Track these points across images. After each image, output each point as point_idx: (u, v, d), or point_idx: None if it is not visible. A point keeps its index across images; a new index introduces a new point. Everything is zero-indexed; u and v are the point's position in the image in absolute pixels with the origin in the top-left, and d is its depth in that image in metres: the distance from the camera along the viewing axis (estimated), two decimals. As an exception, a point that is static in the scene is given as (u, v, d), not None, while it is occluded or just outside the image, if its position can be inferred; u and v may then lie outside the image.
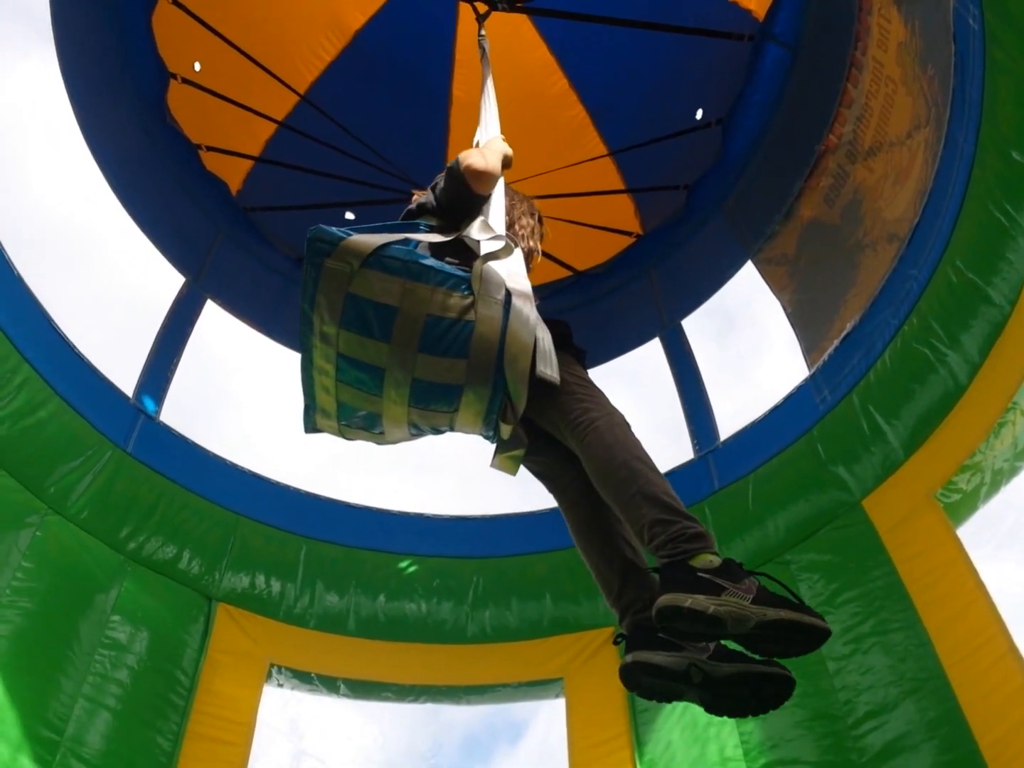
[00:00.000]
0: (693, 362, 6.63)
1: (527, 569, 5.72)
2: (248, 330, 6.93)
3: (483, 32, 5.01)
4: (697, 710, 4.71)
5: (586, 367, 2.58)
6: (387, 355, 2.13)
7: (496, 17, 5.56)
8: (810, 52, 6.08)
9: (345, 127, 6.61)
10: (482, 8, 5.48)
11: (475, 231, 2.44)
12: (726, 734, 4.60)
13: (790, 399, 5.67)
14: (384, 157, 6.70)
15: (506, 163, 2.87)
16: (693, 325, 6.95)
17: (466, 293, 2.16)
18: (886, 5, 5.39)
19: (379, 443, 2.44)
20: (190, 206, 6.69)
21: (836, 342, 5.46)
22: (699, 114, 6.60)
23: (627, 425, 2.30)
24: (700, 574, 1.93)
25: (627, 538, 2.42)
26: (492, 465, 2.42)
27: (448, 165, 2.69)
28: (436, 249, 2.34)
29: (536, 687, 5.54)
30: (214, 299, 6.57)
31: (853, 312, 5.45)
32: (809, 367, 5.80)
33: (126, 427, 5.31)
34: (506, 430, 2.24)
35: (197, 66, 6.30)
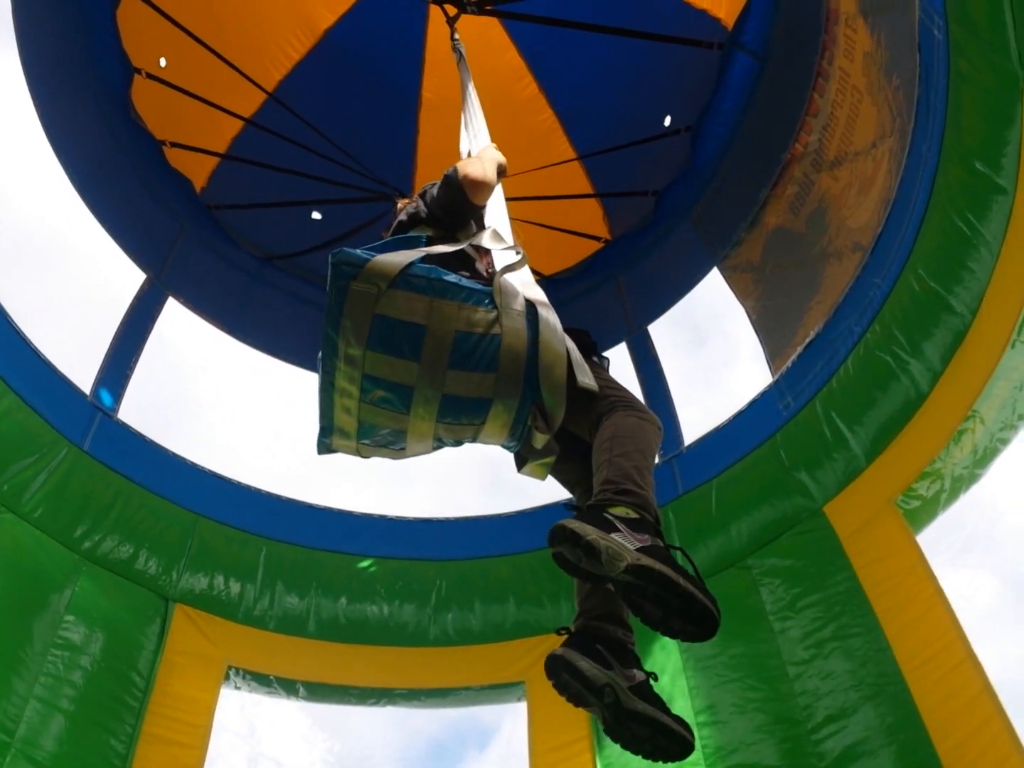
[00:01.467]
0: (659, 367, 6.66)
1: (491, 572, 5.70)
2: (212, 330, 6.84)
3: (456, 36, 4.99)
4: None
5: (609, 372, 2.61)
6: (416, 373, 2.13)
7: (466, 20, 5.55)
8: (777, 61, 6.14)
9: (313, 125, 6.56)
10: (452, 11, 5.46)
11: (486, 241, 2.49)
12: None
13: (753, 405, 5.70)
14: (352, 156, 6.66)
15: (501, 171, 2.87)
16: (662, 336, 6.99)
17: (489, 307, 2.18)
18: (852, 16, 5.45)
19: (396, 458, 2.44)
20: (153, 203, 6.60)
21: (799, 349, 5.51)
22: (667, 121, 6.64)
23: (654, 423, 2.34)
24: (605, 514, 1.98)
25: None
26: (521, 472, 2.44)
27: (445, 174, 2.69)
28: (442, 260, 2.34)
29: (498, 691, 5.51)
30: (176, 296, 6.48)
31: (817, 319, 5.50)
32: (773, 373, 5.84)
33: (83, 425, 5.20)
34: (541, 440, 2.24)
35: (163, 62, 6.22)
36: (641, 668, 2.24)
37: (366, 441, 2.32)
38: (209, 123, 6.55)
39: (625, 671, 2.17)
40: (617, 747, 4.64)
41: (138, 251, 6.36)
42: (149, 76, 6.18)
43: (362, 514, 6.07)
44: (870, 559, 4.51)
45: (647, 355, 6.79)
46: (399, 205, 3.00)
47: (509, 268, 2.32)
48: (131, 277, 6.30)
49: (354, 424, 2.27)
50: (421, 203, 2.73)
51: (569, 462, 2.53)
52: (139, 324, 6.11)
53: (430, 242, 2.46)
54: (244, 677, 5.21)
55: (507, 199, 7.09)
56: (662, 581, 1.87)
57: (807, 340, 5.45)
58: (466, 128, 4.04)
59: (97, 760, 4.32)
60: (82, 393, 5.38)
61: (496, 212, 2.68)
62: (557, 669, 2.20)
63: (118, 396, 5.63)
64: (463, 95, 4.22)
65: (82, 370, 5.50)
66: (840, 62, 5.72)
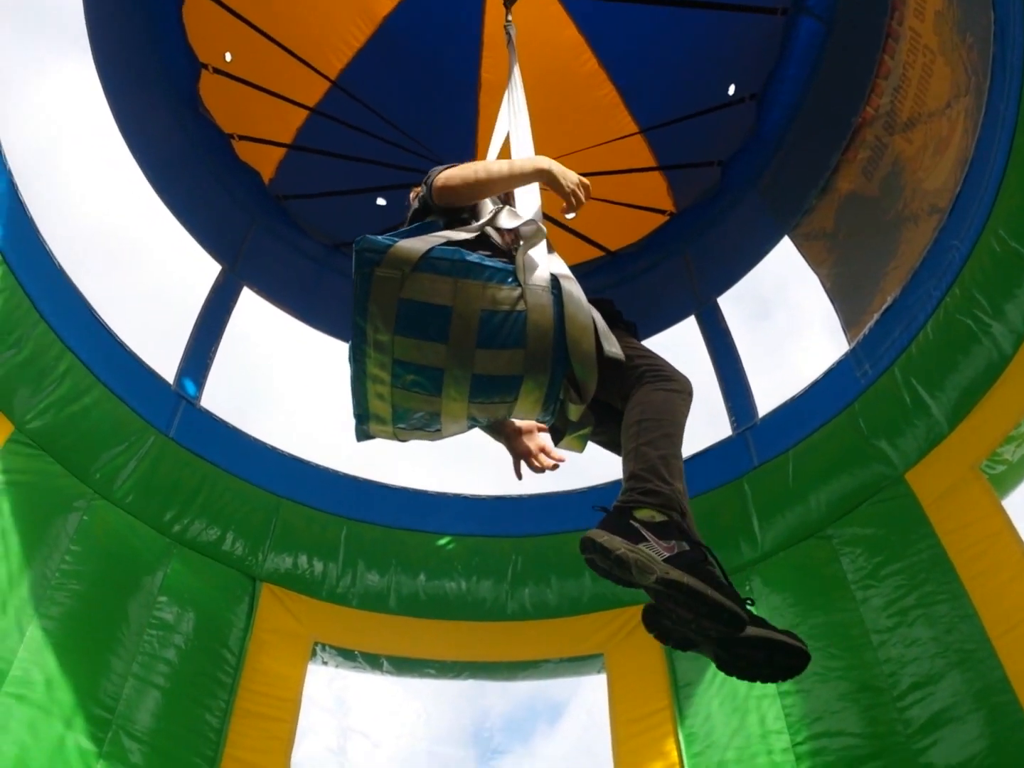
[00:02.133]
0: (730, 339, 6.57)
1: (565, 547, 5.71)
2: (286, 318, 7.00)
3: (510, 18, 4.96)
4: (738, 683, 4.70)
5: (639, 339, 2.60)
6: (445, 355, 2.13)
7: (523, -1, 5.53)
8: (845, 24, 5.97)
9: (376, 111, 6.62)
10: (508, -10, 5.44)
11: (504, 220, 2.46)
12: (767, 706, 4.59)
13: (830, 374, 5.61)
14: (415, 140, 6.71)
15: (486, 178, 2.58)
16: (727, 310, 6.90)
17: (513, 284, 2.18)
18: (922, -27, 5.30)
19: (433, 440, 2.46)
20: (224, 196, 6.75)
21: (876, 316, 5.39)
22: (731, 90, 6.52)
23: (683, 392, 2.32)
24: (632, 522, 2.00)
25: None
26: (559, 446, 2.47)
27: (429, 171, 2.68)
28: (463, 243, 2.34)
29: (576, 663, 5.56)
30: (250, 286, 6.64)
31: (894, 285, 5.38)
32: (849, 341, 5.74)
33: (168, 413, 5.39)
34: (576, 412, 2.26)
35: (228, 56, 6.35)
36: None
37: (402, 425, 2.34)
38: (274, 114, 6.67)
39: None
40: (701, 715, 4.75)
41: (212, 243, 6.54)
42: (216, 71, 6.31)
43: (438, 493, 6.17)
44: (954, 525, 4.41)
45: (717, 328, 6.71)
46: (411, 194, 3.00)
47: (530, 244, 2.31)
48: (207, 269, 6.49)
49: (388, 409, 2.28)
50: (425, 190, 2.69)
51: (605, 426, 2.52)
52: (216, 314, 6.29)
53: (446, 227, 2.46)
54: (330, 653, 5.37)
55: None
56: (691, 593, 1.89)
57: (884, 306, 5.33)
58: (507, 109, 4.01)
59: (193, 735, 4.49)
60: (166, 383, 5.57)
61: (523, 190, 2.64)
62: (657, 619, 2.14)
63: (200, 385, 5.82)
64: (508, 80, 4.21)
65: (165, 361, 5.70)
66: (910, 22, 5.56)
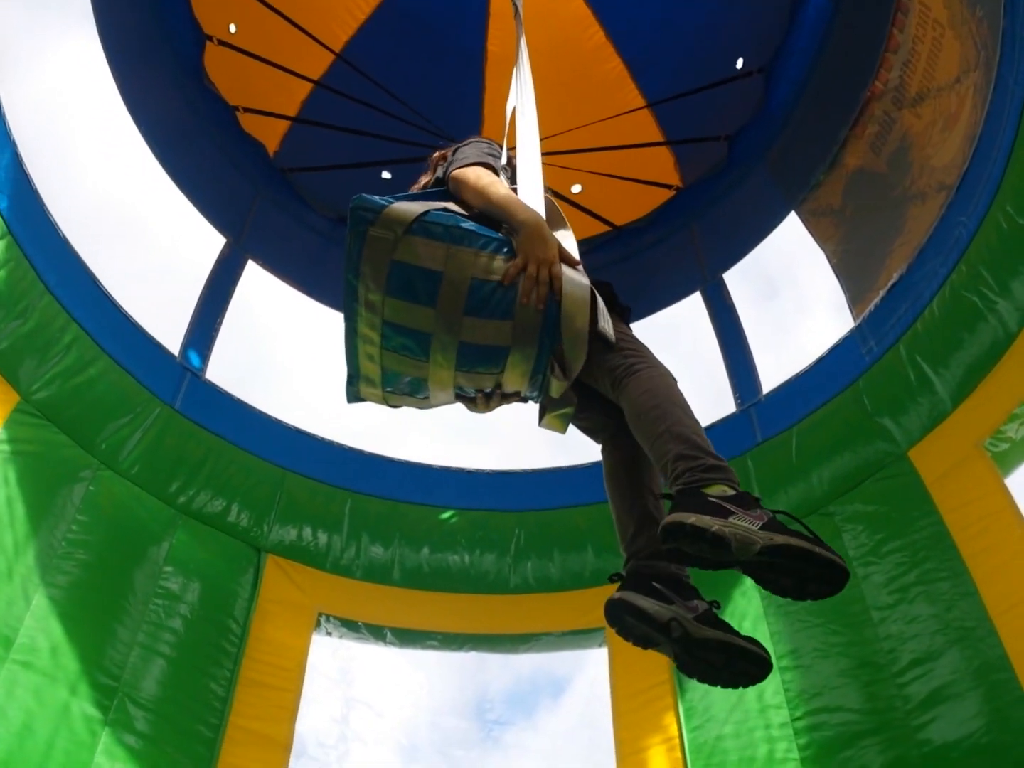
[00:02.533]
0: (735, 315, 6.55)
1: (568, 522, 5.77)
2: (291, 291, 7.00)
3: None
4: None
5: (630, 324, 2.58)
6: (433, 320, 2.12)
7: (531, -32, 5.47)
8: (853, -3, 5.92)
9: (381, 84, 6.58)
10: (515, -41, 5.38)
11: None
12: (766, 681, 4.61)
13: (835, 351, 5.59)
14: (420, 114, 6.67)
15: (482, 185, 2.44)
16: (733, 289, 6.86)
17: (508, 255, 2.16)
18: (933, -55, 5.23)
19: (422, 408, 2.45)
20: (230, 168, 6.74)
21: (882, 292, 5.36)
22: (739, 63, 6.47)
23: (670, 376, 2.30)
24: (710, 499, 1.94)
25: (654, 492, 2.46)
26: (541, 425, 2.42)
27: (449, 164, 2.61)
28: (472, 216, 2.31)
29: (578, 636, 5.60)
30: (255, 259, 6.64)
31: (900, 261, 5.35)
32: (855, 318, 5.71)
33: (173, 385, 5.41)
34: (558, 388, 2.23)
35: (232, 28, 6.31)
36: (701, 598, 2.23)
37: (390, 389, 2.33)
38: (279, 87, 6.64)
39: (687, 603, 2.16)
40: (699, 690, 4.76)
41: (217, 216, 6.53)
42: (221, 43, 6.28)
43: (442, 467, 6.20)
44: (957, 503, 4.41)
45: (723, 304, 6.69)
46: (435, 156, 2.97)
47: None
48: (212, 242, 6.48)
49: (378, 371, 2.28)
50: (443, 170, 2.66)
51: (588, 411, 2.52)
52: (221, 287, 6.29)
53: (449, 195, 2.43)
54: (334, 624, 5.42)
55: (575, 151, 7.01)
56: (801, 555, 1.84)
57: (890, 283, 5.31)
58: (515, 85, 3.95)
59: (198, 703, 4.54)
60: (171, 355, 5.58)
61: (530, 182, 2.61)
62: (619, 613, 2.21)
63: (205, 357, 5.83)
64: (516, 52, 4.15)
65: (170, 333, 5.71)
66: (920, -5, 5.50)
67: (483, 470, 6.24)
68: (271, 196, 6.96)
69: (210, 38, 6.26)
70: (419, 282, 2.11)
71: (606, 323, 2.25)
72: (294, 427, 5.97)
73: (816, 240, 6.36)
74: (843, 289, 6.08)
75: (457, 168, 2.46)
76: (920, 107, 5.60)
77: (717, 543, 1.85)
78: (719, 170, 6.94)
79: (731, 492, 1.96)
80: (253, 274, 6.69)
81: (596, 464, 6.09)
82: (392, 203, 2.15)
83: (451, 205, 2.31)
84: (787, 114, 6.54)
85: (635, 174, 7.05)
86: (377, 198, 2.15)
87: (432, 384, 2.27)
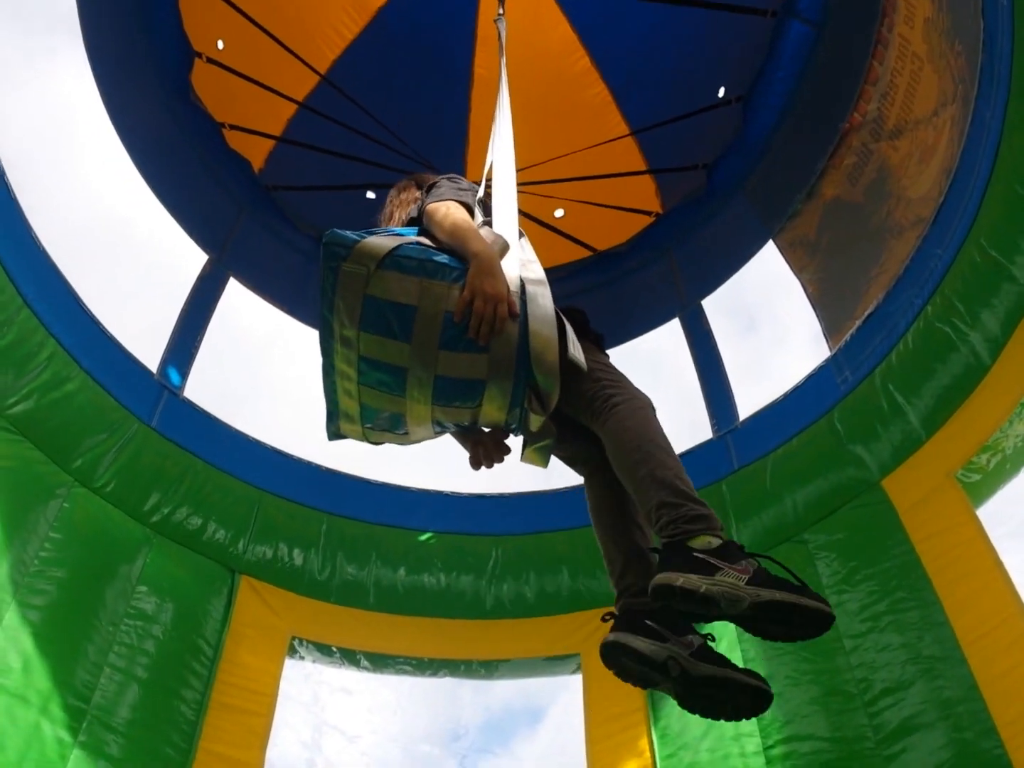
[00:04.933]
0: (712, 342, 6.59)
1: (546, 546, 5.78)
2: (275, 311, 6.98)
3: (501, 11, 4.89)
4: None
5: (605, 351, 2.58)
6: (408, 355, 2.11)
7: (517, -7, 5.52)
8: (834, 28, 6.00)
9: (365, 108, 6.61)
10: (503, -18, 5.42)
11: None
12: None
13: (810, 380, 5.65)
14: (403, 140, 6.69)
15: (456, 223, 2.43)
16: (711, 322, 6.89)
17: None
18: (912, -20, 5.32)
19: (403, 443, 2.42)
20: (213, 185, 6.73)
21: (858, 322, 5.42)
22: (721, 92, 6.55)
23: (649, 408, 2.30)
24: (696, 554, 1.96)
25: (640, 524, 2.44)
26: (522, 460, 2.41)
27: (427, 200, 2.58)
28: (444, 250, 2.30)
29: (553, 662, 5.59)
30: (237, 277, 6.62)
31: (876, 292, 5.42)
32: (830, 348, 5.77)
33: (150, 403, 5.38)
34: (536, 421, 2.21)
35: (220, 44, 6.32)
36: (696, 632, 2.23)
37: (370, 425, 2.31)
38: (265, 105, 6.65)
39: (681, 639, 2.15)
40: (673, 716, 4.76)
41: (200, 233, 6.50)
42: (210, 60, 6.28)
43: (419, 490, 6.18)
44: (928, 533, 4.46)
45: (701, 330, 6.73)
46: (402, 195, 2.96)
47: (504, 251, 2.28)
48: (194, 259, 6.46)
49: (357, 407, 2.26)
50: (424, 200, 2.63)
51: (569, 441, 2.50)
52: (202, 304, 6.26)
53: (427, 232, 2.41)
54: (307, 647, 5.38)
55: (557, 180, 6.99)
56: (787, 608, 1.88)
57: (866, 313, 5.37)
58: (497, 112, 3.95)
59: (169, 726, 4.48)
60: (149, 372, 5.55)
61: (503, 204, 2.59)
62: (614, 655, 2.20)
63: (184, 375, 5.80)
64: (499, 75, 4.16)
65: (148, 350, 5.68)
66: (900, 28, 5.59)
67: (461, 493, 6.23)
68: (254, 214, 6.95)
69: (199, 55, 6.26)
70: (393, 317, 2.10)
71: (576, 351, 2.24)
72: (272, 447, 5.94)
73: (792, 269, 6.42)
74: (819, 319, 6.14)
75: (431, 202, 2.47)
76: (898, 139, 5.68)
77: (706, 602, 1.89)
78: (699, 196, 7.01)
79: (716, 543, 1.98)
80: (238, 293, 6.68)
81: (574, 488, 6.15)
82: (365, 238, 2.14)
83: (424, 239, 2.30)
84: (766, 143, 6.62)
85: (617, 200, 7.10)
86: (349, 233, 2.15)
87: (410, 419, 2.25)
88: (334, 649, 5.45)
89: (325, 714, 5.56)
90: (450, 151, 7.00)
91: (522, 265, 2.31)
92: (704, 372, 6.48)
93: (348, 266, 2.09)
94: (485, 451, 2.51)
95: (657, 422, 2.28)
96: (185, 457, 5.30)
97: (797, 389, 5.71)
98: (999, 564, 4.14)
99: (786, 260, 6.48)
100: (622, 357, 6.97)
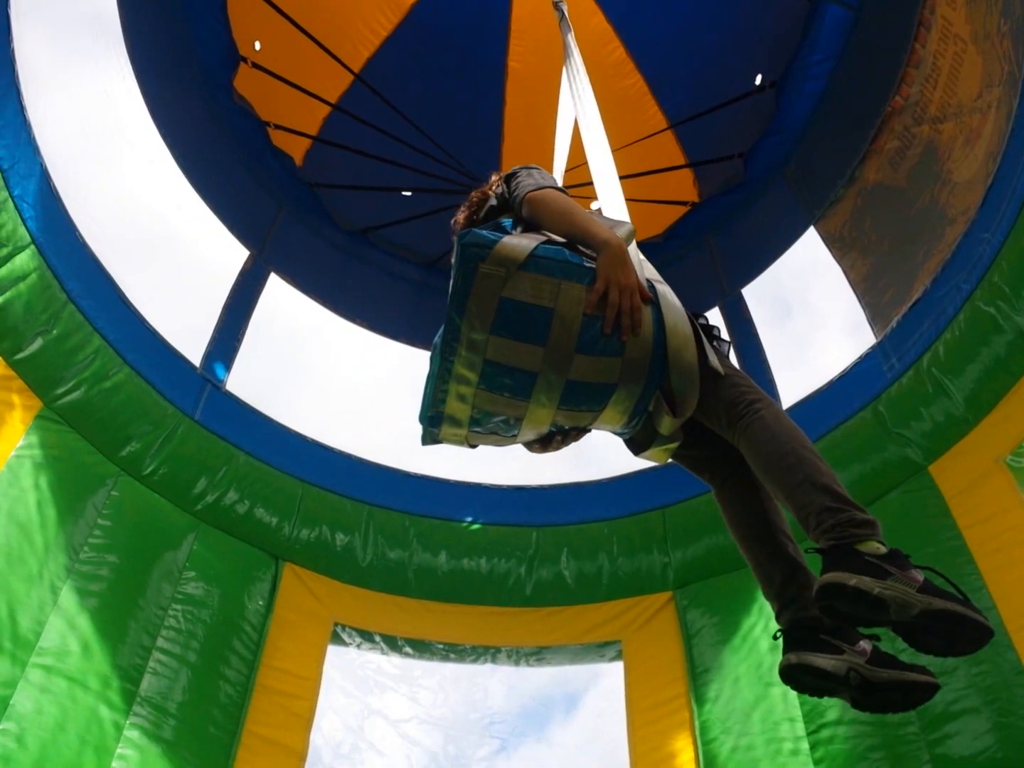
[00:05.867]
0: (753, 330, 6.54)
1: (586, 536, 5.78)
2: (314, 306, 7.05)
3: None
4: (754, 669, 4.68)
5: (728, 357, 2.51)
6: (541, 358, 2.05)
7: (550, -14, 5.52)
8: (874, 11, 5.93)
9: (398, 108, 6.64)
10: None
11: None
12: (783, 695, 4.56)
13: (856, 366, 5.57)
14: (433, 140, 6.71)
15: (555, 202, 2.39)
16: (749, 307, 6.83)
17: None
18: (954, -40, 5.23)
19: (502, 445, 2.37)
20: (252, 182, 6.84)
21: (905, 309, 5.33)
22: (758, 79, 6.48)
23: (785, 413, 2.23)
24: (867, 558, 1.90)
25: (788, 533, 2.38)
26: (642, 456, 2.36)
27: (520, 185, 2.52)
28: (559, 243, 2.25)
29: (594, 650, 5.59)
30: (277, 272, 6.70)
31: (922, 278, 5.32)
32: (875, 335, 5.67)
33: (194, 396, 5.47)
34: (669, 425, 2.15)
35: (257, 45, 6.41)
36: (863, 635, 2.17)
37: (478, 429, 2.25)
38: (302, 104, 6.73)
39: (855, 648, 2.10)
40: (717, 703, 4.72)
41: (241, 229, 6.60)
42: (255, 66, 6.37)
43: (460, 482, 6.21)
44: (976, 519, 4.38)
45: (741, 319, 6.67)
46: (473, 197, 2.94)
47: (630, 237, 2.23)
48: (235, 256, 6.55)
49: (468, 412, 2.19)
50: (506, 189, 2.58)
51: (694, 447, 2.42)
52: (244, 299, 6.36)
53: (527, 229, 2.34)
54: (350, 633, 5.44)
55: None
56: (955, 619, 1.83)
57: (913, 299, 5.28)
58: (571, 93, 3.89)
59: (216, 708, 4.57)
60: (192, 366, 5.65)
61: (608, 188, 2.53)
62: (798, 676, 2.16)
63: (227, 368, 5.89)
64: (565, 59, 4.10)
65: (192, 345, 5.77)
66: (942, 10, 5.50)
67: (500, 485, 6.24)
68: (293, 211, 7.05)
69: (244, 59, 6.35)
70: (529, 319, 2.04)
71: (712, 356, 2.18)
72: (313, 440, 6.03)
73: (834, 256, 6.33)
74: (862, 306, 6.04)
75: (531, 192, 2.39)
76: (942, 122, 5.58)
77: (877, 605, 1.83)
78: (738, 184, 6.95)
79: (884, 550, 1.93)
80: (279, 289, 6.76)
81: (612, 479, 6.12)
82: (502, 238, 2.09)
83: (554, 236, 2.24)
84: (806, 128, 6.55)
85: (654, 192, 7.05)
86: (486, 233, 2.10)
87: (528, 423, 2.20)
88: (376, 635, 5.51)
89: (368, 699, 5.60)
90: (485, 146, 7.02)
91: (639, 264, 2.24)
92: (746, 360, 6.41)
93: (486, 267, 2.03)
94: (557, 439, 2.44)
95: (800, 429, 2.20)
96: (228, 449, 5.39)
97: (843, 376, 5.63)
98: (1048, 550, 4.07)
99: (827, 246, 6.39)
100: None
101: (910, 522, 4.67)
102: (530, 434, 2.27)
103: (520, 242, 2.09)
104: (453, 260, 2.11)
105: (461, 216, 2.84)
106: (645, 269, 2.25)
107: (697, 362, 2.11)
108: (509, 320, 2.04)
